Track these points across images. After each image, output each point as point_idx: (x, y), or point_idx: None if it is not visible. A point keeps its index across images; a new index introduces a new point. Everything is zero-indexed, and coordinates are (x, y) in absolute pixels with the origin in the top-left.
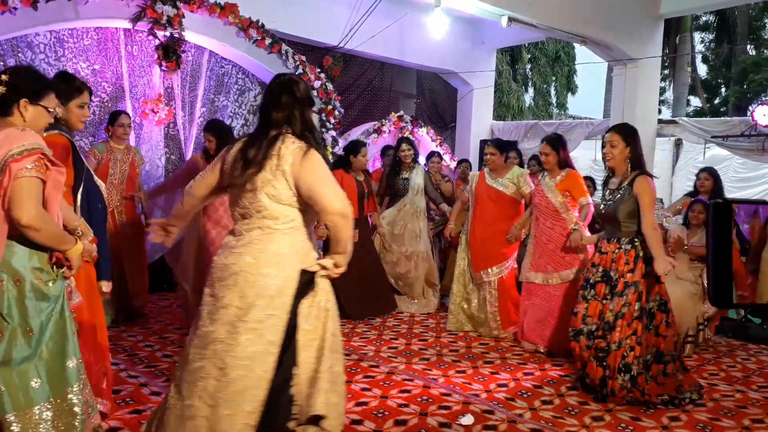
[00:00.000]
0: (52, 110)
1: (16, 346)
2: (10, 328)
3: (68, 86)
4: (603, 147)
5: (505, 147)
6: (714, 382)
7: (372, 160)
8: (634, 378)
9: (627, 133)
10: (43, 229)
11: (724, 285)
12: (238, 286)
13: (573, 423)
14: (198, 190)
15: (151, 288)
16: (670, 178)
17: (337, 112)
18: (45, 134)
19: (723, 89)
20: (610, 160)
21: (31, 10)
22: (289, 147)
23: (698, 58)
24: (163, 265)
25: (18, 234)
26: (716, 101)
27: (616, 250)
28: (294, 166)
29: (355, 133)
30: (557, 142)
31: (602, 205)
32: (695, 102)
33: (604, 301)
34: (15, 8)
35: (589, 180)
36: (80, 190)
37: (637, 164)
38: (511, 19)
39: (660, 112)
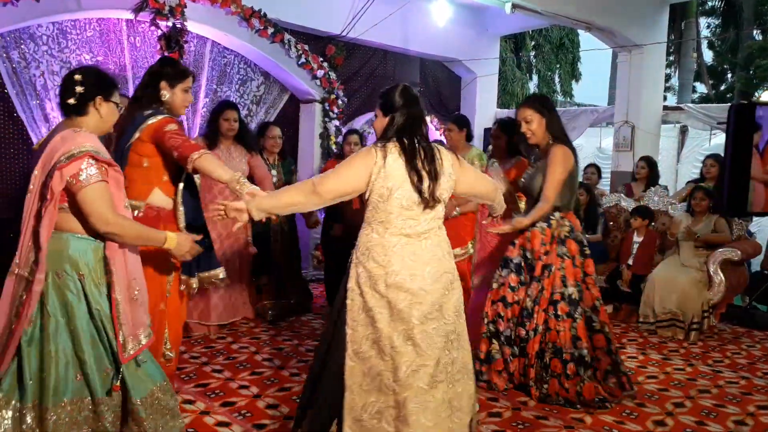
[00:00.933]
0: (120, 106)
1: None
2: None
3: (174, 70)
4: (519, 126)
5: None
6: (719, 368)
7: None
8: (547, 366)
9: (540, 104)
10: (123, 233)
11: (739, 193)
12: None
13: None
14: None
15: None
16: (675, 165)
17: (340, 102)
18: (155, 119)
19: (729, 75)
20: (530, 138)
21: (33, 1)
22: (447, 155)
23: (704, 43)
24: None
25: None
26: (722, 87)
27: (530, 229)
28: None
29: (359, 123)
30: (508, 126)
31: (521, 180)
32: (701, 88)
33: (520, 287)
34: (17, 0)
35: (594, 167)
36: (182, 176)
37: (558, 135)
38: (514, 6)
39: (665, 98)
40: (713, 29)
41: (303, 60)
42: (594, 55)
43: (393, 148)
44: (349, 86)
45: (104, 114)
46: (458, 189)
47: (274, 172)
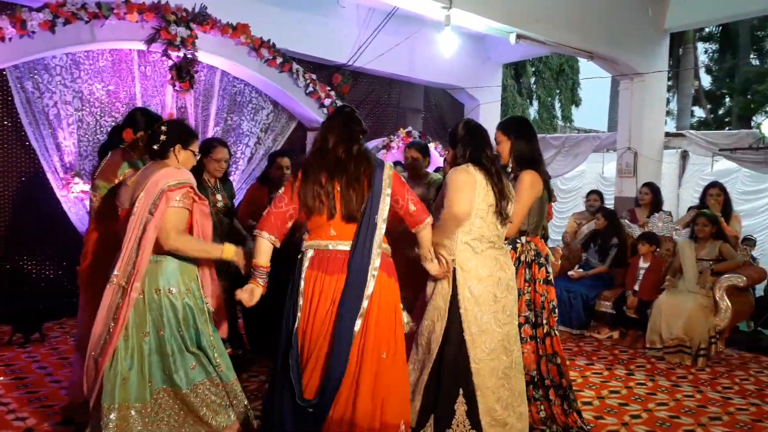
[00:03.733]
0: (197, 154)
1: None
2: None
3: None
4: None
5: (427, 151)
6: (728, 395)
7: None
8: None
9: (507, 127)
10: (183, 248)
11: None
12: None
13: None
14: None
15: None
16: (677, 189)
17: None
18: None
19: (727, 100)
20: (502, 159)
21: (49, 33)
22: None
23: (702, 69)
24: None
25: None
26: (720, 112)
27: None
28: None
29: None
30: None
31: None
32: (699, 113)
33: None
34: (33, 32)
35: (596, 194)
36: None
37: (523, 160)
38: (519, 36)
39: (665, 123)
40: (711, 54)
41: (311, 89)
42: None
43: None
44: None
45: (182, 159)
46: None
47: (219, 196)
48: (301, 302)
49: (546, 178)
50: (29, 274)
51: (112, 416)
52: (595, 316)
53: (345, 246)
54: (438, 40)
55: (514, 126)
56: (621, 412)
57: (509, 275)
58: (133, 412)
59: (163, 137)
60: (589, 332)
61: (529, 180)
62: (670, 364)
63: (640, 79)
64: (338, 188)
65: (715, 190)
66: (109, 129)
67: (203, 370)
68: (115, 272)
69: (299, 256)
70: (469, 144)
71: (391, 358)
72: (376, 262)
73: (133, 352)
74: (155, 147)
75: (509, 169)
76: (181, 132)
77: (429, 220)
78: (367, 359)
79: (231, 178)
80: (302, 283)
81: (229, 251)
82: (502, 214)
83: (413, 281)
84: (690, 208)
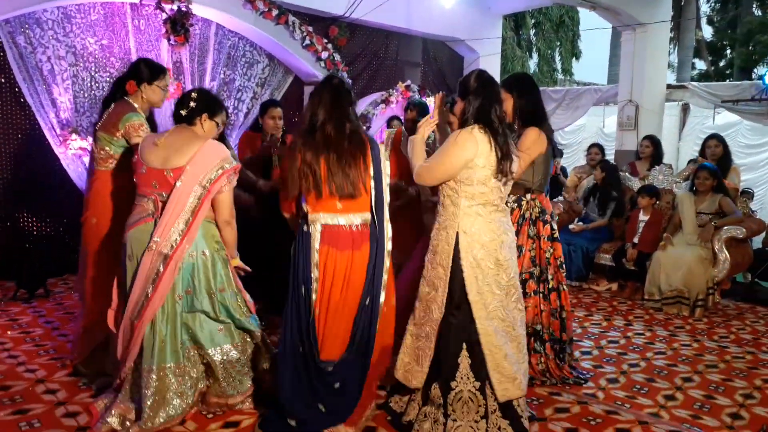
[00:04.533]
0: (220, 126)
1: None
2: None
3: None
4: None
5: (427, 110)
6: (724, 344)
7: (379, 131)
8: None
9: (510, 84)
10: (232, 227)
11: None
12: None
13: None
14: None
15: None
16: (677, 143)
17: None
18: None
19: (728, 51)
20: (508, 118)
21: None
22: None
23: (703, 19)
24: None
25: None
26: (721, 63)
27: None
28: None
29: (363, 105)
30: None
31: None
32: (700, 65)
33: None
34: None
35: (597, 147)
36: None
37: (528, 117)
38: None
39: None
40: (712, 4)
41: (308, 42)
42: (592, 33)
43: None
44: (352, 67)
45: (207, 129)
46: None
47: None
48: (316, 274)
49: (550, 135)
50: (30, 232)
51: (153, 377)
52: (594, 268)
53: (351, 220)
54: None
55: (517, 83)
56: (619, 360)
57: (511, 237)
58: (169, 373)
59: (192, 104)
60: (588, 284)
61: (533, 136)
62: (668, 315)
63: (643, 29)
64: (325, 166)
65: (713, 141)
66: (105, 85)
67: (228, 335)
68: (156, 238)
69: (303, 227)
70: (479, 96)
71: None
72: (389, 234)
73: (169, 316)
74: (182, 112)
75: (515, 127)
76: (210, 102)
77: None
78: (383, 318)
79: (227, 132)
80: (316, 255)
81: (235, 262)
82: (505, 174)
83: (401, 241)
84: (690, 161)
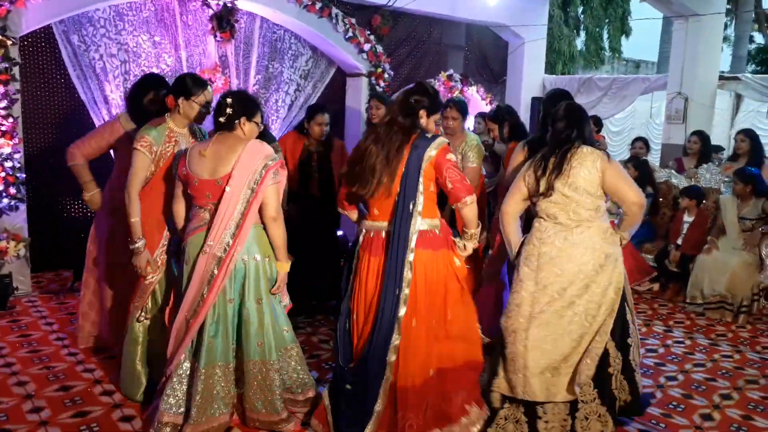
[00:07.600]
0: (260, 126)
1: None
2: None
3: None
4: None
5: (467, 110)
6: (767, 355)
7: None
8: None
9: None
10: (280, 223)
11: None
12: None
13: None
14: None
15: None
16: (729, 130)
17: (386, 75)
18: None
19: None
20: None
21: None
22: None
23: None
24: None
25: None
26: None
27: None
28: None
29: None
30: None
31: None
32: (758, 39)
33: None
34: None
35: (642, 140)
36: None
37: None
38: None
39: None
40: None
41: (350, 34)
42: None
43: None
44: (395, 56)
45: (247, 131)
46: None
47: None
48: (352, 279)
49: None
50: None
51: (202, 371)
52: None
53: (382, 226)
54: None
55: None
56: (657, 372)
57: None
58: (218, 371)
59: (229, 110)
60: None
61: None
62: (710, 320)
63: (696, 19)
64: (377, 163)
65: (739, 135)
66: None
67: (271, 347)
68: (210, 242)
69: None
70: (582, 125)
71: (443, 330)
72: (412, 243)
73: (219, 318)
74: (221, 120)
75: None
76: (245, 104)
77: (468, 198)
78: (412, 334)
79: (272, 126)
80: (356, 261)
81: (285, 267)
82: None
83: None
84: (727, 159)
